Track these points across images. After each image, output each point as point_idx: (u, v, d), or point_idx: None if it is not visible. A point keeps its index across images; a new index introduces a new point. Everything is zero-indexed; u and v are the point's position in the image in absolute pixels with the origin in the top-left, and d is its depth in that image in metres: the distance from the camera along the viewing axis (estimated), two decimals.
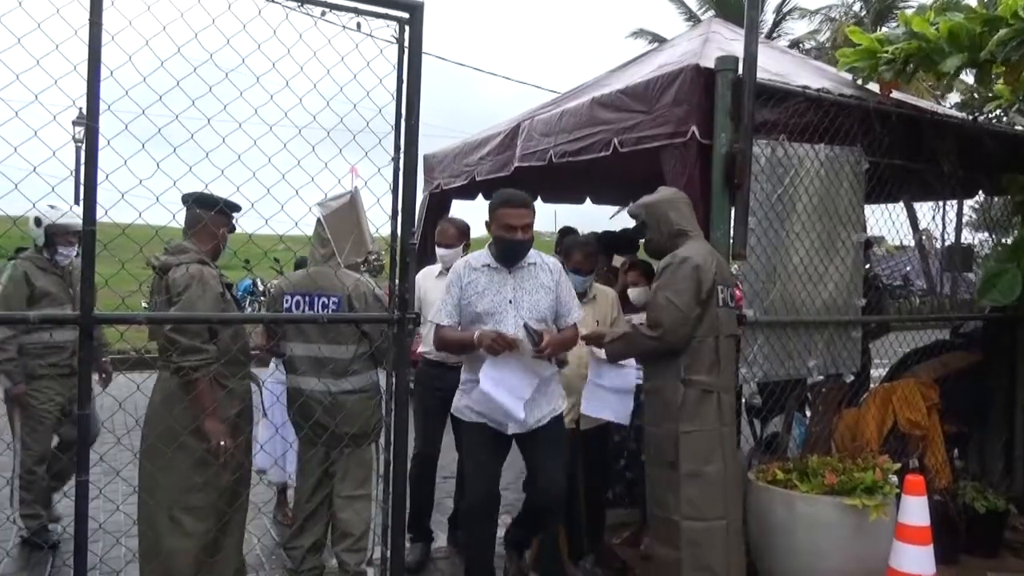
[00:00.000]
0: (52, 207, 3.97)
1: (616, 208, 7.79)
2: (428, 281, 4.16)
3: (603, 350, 3.52)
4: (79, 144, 13.27)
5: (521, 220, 3.24)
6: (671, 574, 3.18)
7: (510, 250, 3.29)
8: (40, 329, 4.06)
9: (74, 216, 3.75)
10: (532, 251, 3.36)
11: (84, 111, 2.25)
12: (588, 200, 7.39)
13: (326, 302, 3.46)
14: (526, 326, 3.14)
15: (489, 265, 3.32)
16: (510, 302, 3.27)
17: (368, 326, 3.46)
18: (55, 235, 4.17)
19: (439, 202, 6.12)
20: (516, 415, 3.15)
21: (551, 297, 3.34)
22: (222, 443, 3.08)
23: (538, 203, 6.84)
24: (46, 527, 4.26)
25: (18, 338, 4.10)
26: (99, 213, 2.29)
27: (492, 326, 3.20)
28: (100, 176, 2.27)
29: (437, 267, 4.25)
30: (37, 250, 4.26)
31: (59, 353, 4.19)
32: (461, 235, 4.26)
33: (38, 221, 4.13)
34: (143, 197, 2.36)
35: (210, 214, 3.17)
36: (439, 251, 4.24)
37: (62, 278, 4.25)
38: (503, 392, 3.12)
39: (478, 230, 4.25)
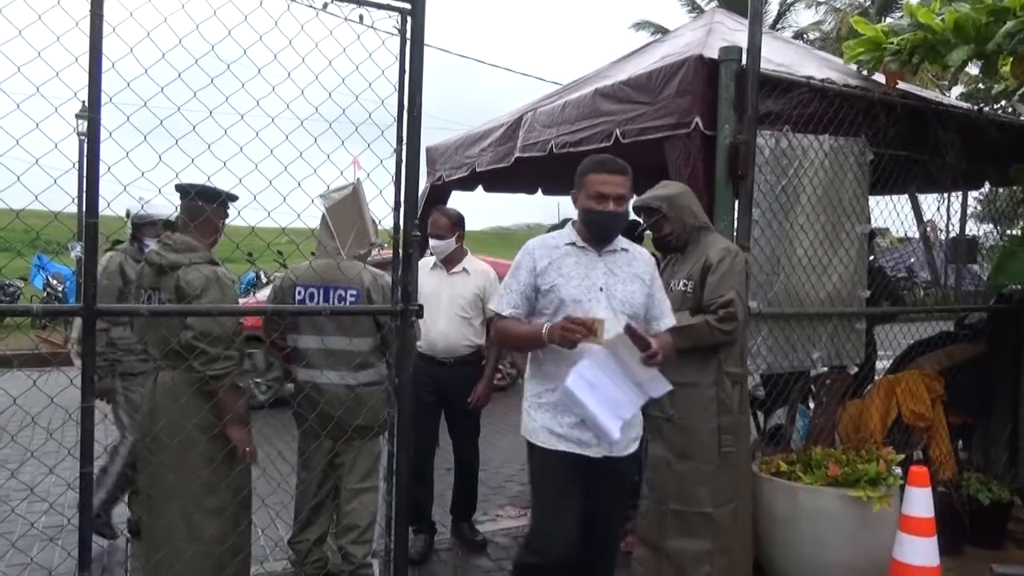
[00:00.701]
0: (142, 199, 3.91)
1: None
2: (421, 274, 4.10)
3: None
4: (81, 136, 13.29)
5: (615, 189, 2.71)
6: (697, 564, 3.20)
7: (599, 224, 2.76)
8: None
9: (158, 206, 3.70)
10: (622, 237, 2.89)
11: (86, 103, 2.24)
12: None
13: (343, 294, 3.40)
14: (628, 327, 2.59)
15: (574, 243, 2.80)
16: (600, 289, 2.74)
17: (383, 318, 3.38)
18: (141, 227, 4.13)
19: (440, 194, 6.11)
20: (610, 434, 2.62)
21: (645, 292, 2.82)
22: (247, 450, 3.07)
23: (539, 195, 6.85)
24: (109, 521, 4.26)
25: (109, 332, 4.00)
26: (101, 205, 2.29)
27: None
28: (102, 168, 2.26)
29: (431, 259, 4.19)
30: (130, 242, 4.24)
31: None
32: (454, 226, 4.17)
33: (127, 212, 4.09)
34: (145, 189, 2.36)
35: (213, 207, 3.13)
36: (432, 242, 4.15)
37: None
38: (594, 401, 2.60)
39: (474, 222, 4.21)
